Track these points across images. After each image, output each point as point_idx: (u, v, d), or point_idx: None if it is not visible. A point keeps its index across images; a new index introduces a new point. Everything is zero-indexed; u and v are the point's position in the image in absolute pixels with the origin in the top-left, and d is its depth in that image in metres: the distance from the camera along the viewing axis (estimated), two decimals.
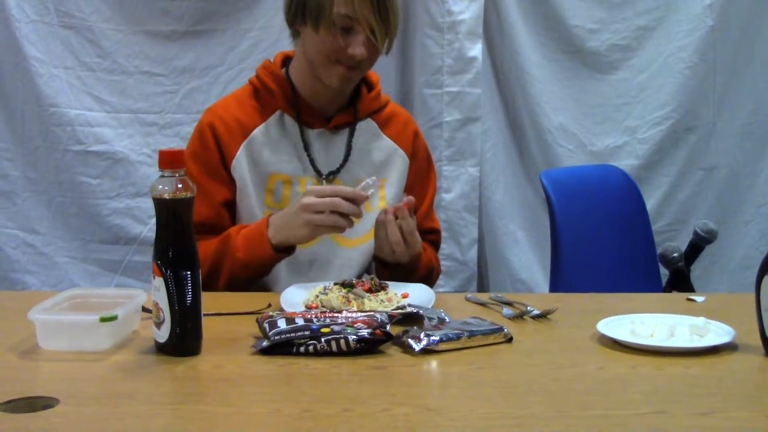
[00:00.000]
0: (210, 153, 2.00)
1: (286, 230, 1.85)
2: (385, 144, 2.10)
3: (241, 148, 2.00)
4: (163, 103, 3.11)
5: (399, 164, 2.10)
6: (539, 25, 3.22)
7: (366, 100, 2.08)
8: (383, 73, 2.96)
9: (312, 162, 2.02)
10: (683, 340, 1.50)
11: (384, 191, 2.07)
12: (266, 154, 2.01)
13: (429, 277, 2.05)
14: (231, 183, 2.01)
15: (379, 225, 1.91)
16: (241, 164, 2.00)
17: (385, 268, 1.98)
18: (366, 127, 2.09)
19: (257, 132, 2.02)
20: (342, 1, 1.88)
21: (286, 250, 1.90)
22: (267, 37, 3.07)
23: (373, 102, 2.10)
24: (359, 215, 1.81)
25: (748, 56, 3.26)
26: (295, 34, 2.02)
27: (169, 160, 1.45)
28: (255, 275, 1.94)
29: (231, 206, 2.02)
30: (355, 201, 1.79)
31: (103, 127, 3.07)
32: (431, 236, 2.14)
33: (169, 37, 3.10)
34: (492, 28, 3.18)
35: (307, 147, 2.02)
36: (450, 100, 3.08)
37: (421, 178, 2.15)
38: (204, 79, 3.11)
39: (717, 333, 1.52)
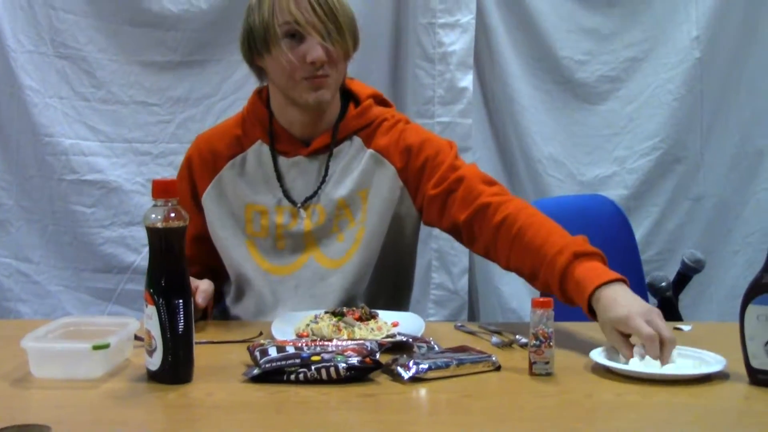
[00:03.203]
0: (182, 185, 2.03)
1: None
2: (368, 155, 2.00)
3: (214, 181, 2.02)
4: (157, 132, 3.13)
5: (384, 173, 2.00)
6: (529, 56, 3.25)
7: (348, 119, 2.02)
8: None
9: (285, 192, 2.00)
10: (676, 368, 1.52)
11: (366, 204, 1.99)
12: (242, 185, 2.01)
13: None
14: (199, 216, 2.02)
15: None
16: (211, 197, 2.02)
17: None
18: (350, 145, 2.02)
19: (234, 162, 2.02)
20: (280, 11, 1.87)
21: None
22: None
23: (357, 119, 2.02)
24: None
25: (734, 88, 3.29)
26: (261, 72, 2.00)
27: (162, 190, 1.47)
28: None
29: (196, 240, 1.99)
30: None
31: (97, 156, 3.09)
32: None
33: (163, 67, 3.13)
34: (482, 59, 3.21)
35: (279, 177, 2.00)
36: (441, 131, 3.10)
37: (428, 160, 1.99)
38: (198, 109, 3.13)
39: (709, 362, 1.54)
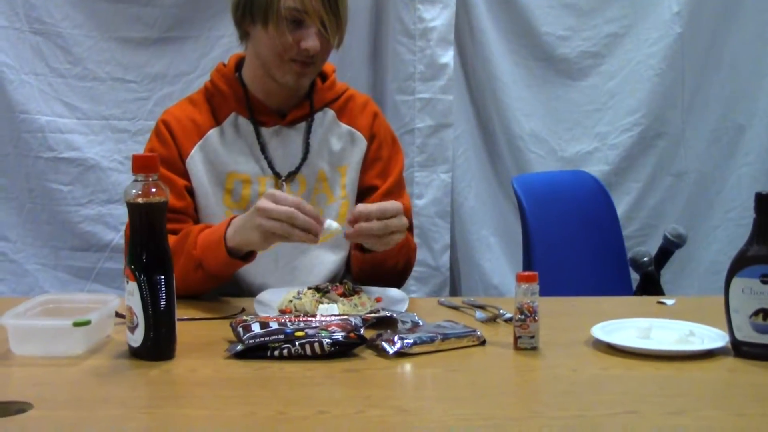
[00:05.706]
0: (168, 147, 1.99)
1: (242, 232, 1.77)
2: (343, 131, 2.07)
3: (196, 147, 1.99)
4: (135, 109, 3.10)
5: (357, 149, 2.08)
6: (510, 32, 3.24)
7: (320, 91, 2.06)
8: (355, 79, 2.98)
9: (270, 163, 2.00)
10: (667, 342, 1.52)
11: (345, 179, 2.05)
12: (223, 154, 2.00)
13: (406, 257, 2.04)
14: (188, 176, 2.00)
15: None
16: (195, 163, 1.99)
17: (361, 251, 1.92)
18: (323, 117, 2.06)
19: (212, 133, 2.00)
20: None
21: (244, 257, 1.82)
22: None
23: (329, 92, 2.08)
24: (314, 236, 1.71)
25: (716, 63, 3.30)
26: (244, 35, 2.00)
27: (142, 165, 1.45)
28: (210, 281, 1.86)
29: (192, 194, 2.00)
30: (311, 226, 1.70)
31: (74, 134, 3.05)
32: None
33: (141, 44, 3.09)
34: (463, 35, 3.19)
35: (263, 148, 2.00)
36: (422, 107, 3.09)
37: (382, 158, 2.10)
38: (176, 86, 3.10)
39: (705, 335, 1.54)
